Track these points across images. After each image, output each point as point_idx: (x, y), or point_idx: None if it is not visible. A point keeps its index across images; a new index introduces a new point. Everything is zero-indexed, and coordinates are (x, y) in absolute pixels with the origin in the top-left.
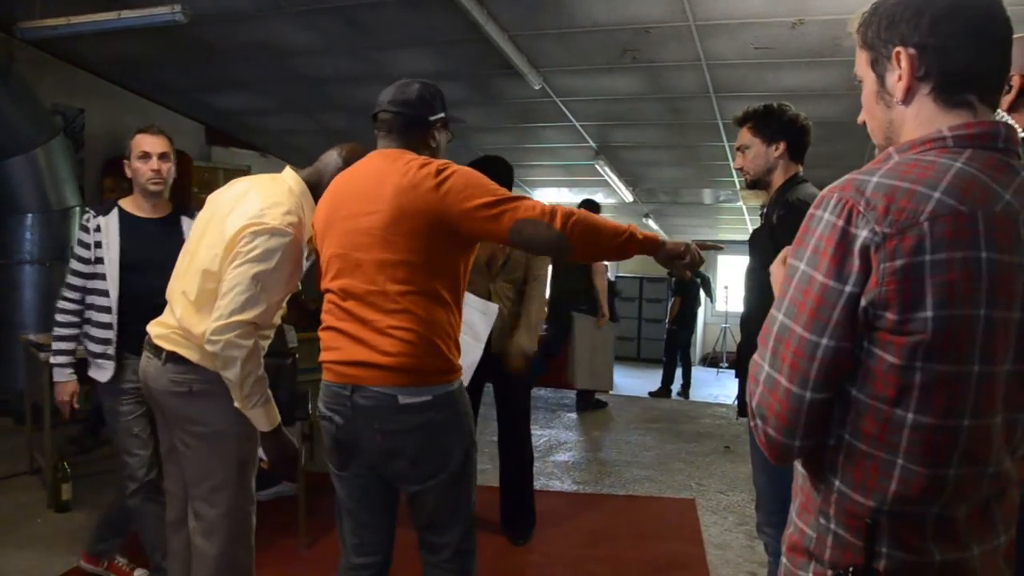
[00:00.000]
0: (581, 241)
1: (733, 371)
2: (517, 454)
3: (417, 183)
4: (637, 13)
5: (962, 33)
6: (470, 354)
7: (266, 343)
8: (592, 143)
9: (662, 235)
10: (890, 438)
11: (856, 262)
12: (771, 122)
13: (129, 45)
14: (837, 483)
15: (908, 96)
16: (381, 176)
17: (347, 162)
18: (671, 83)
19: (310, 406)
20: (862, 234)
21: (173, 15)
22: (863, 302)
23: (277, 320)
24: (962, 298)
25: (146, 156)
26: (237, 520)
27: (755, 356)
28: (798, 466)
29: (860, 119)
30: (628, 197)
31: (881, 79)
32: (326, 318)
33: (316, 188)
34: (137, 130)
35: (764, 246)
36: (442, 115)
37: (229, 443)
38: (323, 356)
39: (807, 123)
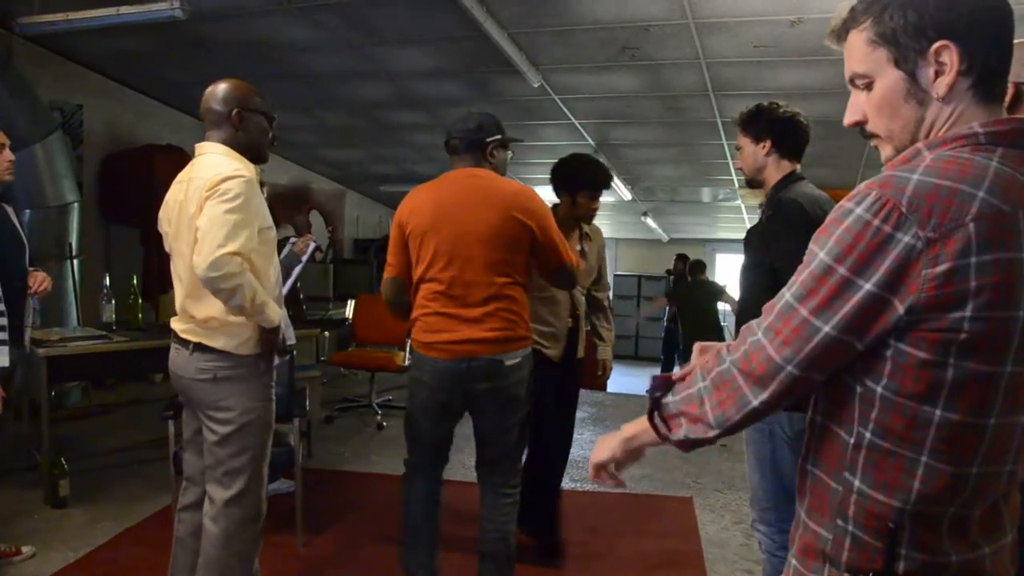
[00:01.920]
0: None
1: None
2: (560, 457)
3: (519, 207)
4: (636, 11)
5: (996, 26)
6: None
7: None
8: (591, 141)
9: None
10: (915, 435)
11: (889, 264)
12: (757, 120)
13: (128, 41)
14: (856, 483)
15: (951, 92)
16: (485, 192)
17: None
18: (670, 81)
19: (308, 403)
20: (904, 239)
21: (172, 11)
22: (899, 308)
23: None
24: (1004, 300)
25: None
26: (247, 506)
27: (751, 323)
28: (806, 465)
29: (850, 121)
30: (627, 195)
31: (911, 75)
32: (431, 304)
33: (245, 151)
34: None
35: (756, 244)
36: (498, 137)
37: (249, 429)
38: (433, 337)
39: (799, 120)
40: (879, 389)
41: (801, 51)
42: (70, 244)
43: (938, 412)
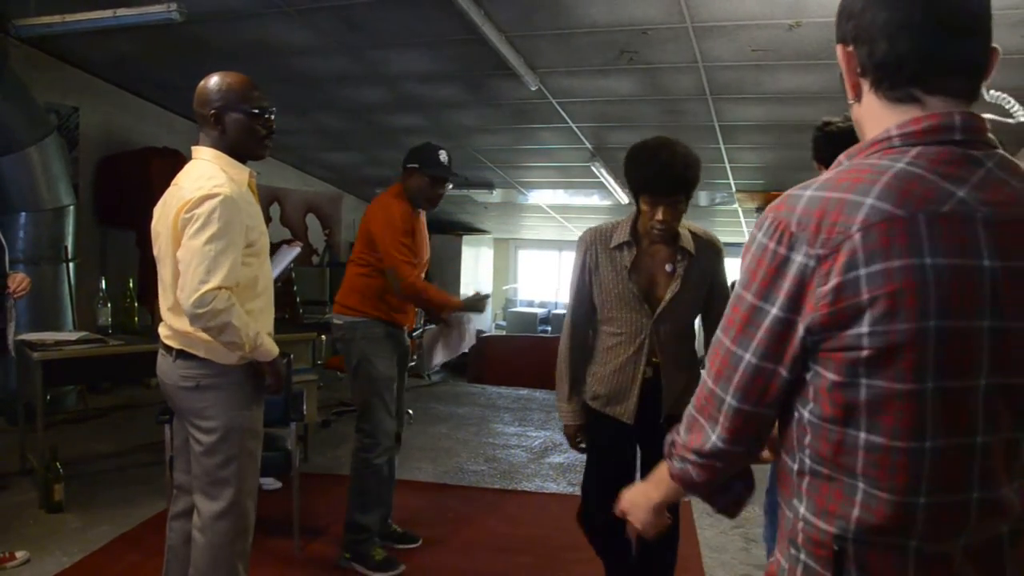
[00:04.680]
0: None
1: None
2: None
3: (367, 214)
4: (634, 14)
5: (887, 23)
6: None
7: (259, 326)
8: (588, 145)
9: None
10: (845, 460)
11: (787, 286)
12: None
13: (124, 43)
14: (802, 510)
15: (856, 94)
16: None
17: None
18: (668, 85)
19: (304, 407)
20: (797, 258)
21: (168, 13)
22: (800, 329)
23: (269, 316)
24: (904, 311)
25: None
26: (236, 516)
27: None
28: (775, 496)
29: None
30: (624, 199)
31: (840, 80)
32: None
33: (234, 152)
34: None
35: None
36: (415, 165)
37: (233, 438)
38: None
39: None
40: (806, 414)
41: (799, 55)
42: (65, 247)
43: (862, 435)
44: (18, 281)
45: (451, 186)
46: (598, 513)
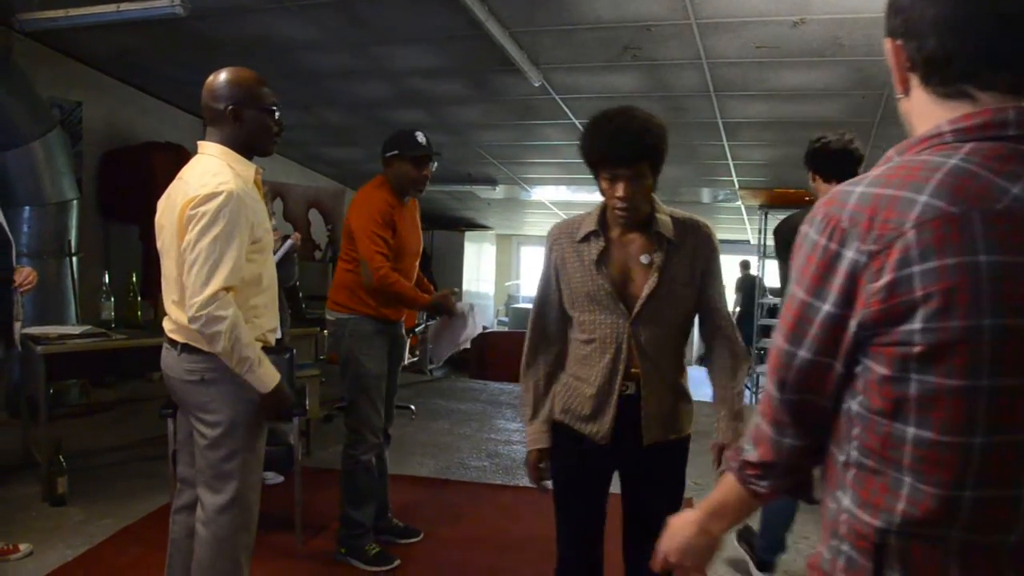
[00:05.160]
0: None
1: None
2: None
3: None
4: (638, 11)
5: (936, 19)
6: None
7: (264, 321)
8: None
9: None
10: (892, 453)
11: (839, 282)
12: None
13: (127, 38)
14: (846, 501)
15: (904, 89)
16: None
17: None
18: (671, 81)
19: (307, 401)
20: (848, 255)
21: (172, 8)
22: (852, 325)
23: (274, 313)
24: (958, 308)
25: None
26: (240, 509)
27: None
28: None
29: None
30: None
31: (892, 75)
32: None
33: (245, 148)
34: None
35: None
36: (395, 152)
37: (237, 432)
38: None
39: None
40: (855, 406)
41: (803, 52)
42: (69, 241)
43: (911, 430)
44: (24, 275)
45: (435, 165)
46: (580, 571)
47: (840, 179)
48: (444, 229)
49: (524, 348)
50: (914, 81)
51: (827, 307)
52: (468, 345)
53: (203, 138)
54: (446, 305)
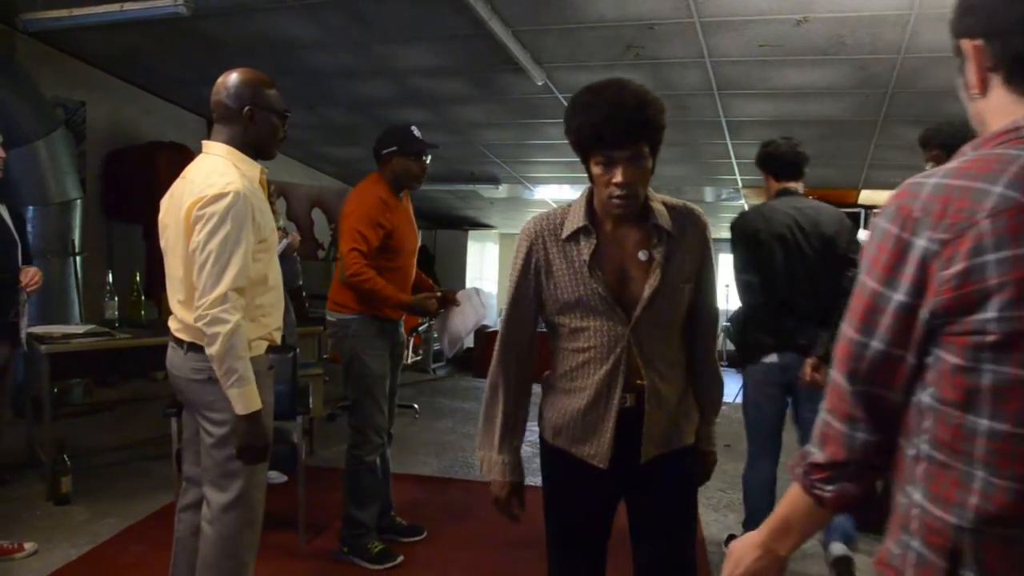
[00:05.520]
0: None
1: (733, 369)
2: None
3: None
4: (641, 9)
5: (1019, 19)
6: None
7: (270, 320)
8: None
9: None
10: (964, 446)
11: (910, 271)
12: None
13: (131, 37)
14: (917, 496)
15: (984, 88)
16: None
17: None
18: (674, 80)
19: (311, 401)
20: (919, 243)
21: (175, 7)
22: (923, 313)
23: (279, 311)
24: None
25: None
26: (245, 508)
27: None
28: (889, 483)
29: None
30: None
31: (961, 72)
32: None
33: (252, 149)
34: None
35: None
36: (393, 148)
37: None
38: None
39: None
40: (926, 398)
41: (807, 50)
42: (73, 241)
43: (984, 421)
44: (30, 275)
45: (428, 159)
46: None
47: (789, 178)
48: (447, 228)
49: (493, 361)
50: (995, 80)
51: (898, 296)
52: (484, 322)
53: (207, 137)
54: (426, 307)
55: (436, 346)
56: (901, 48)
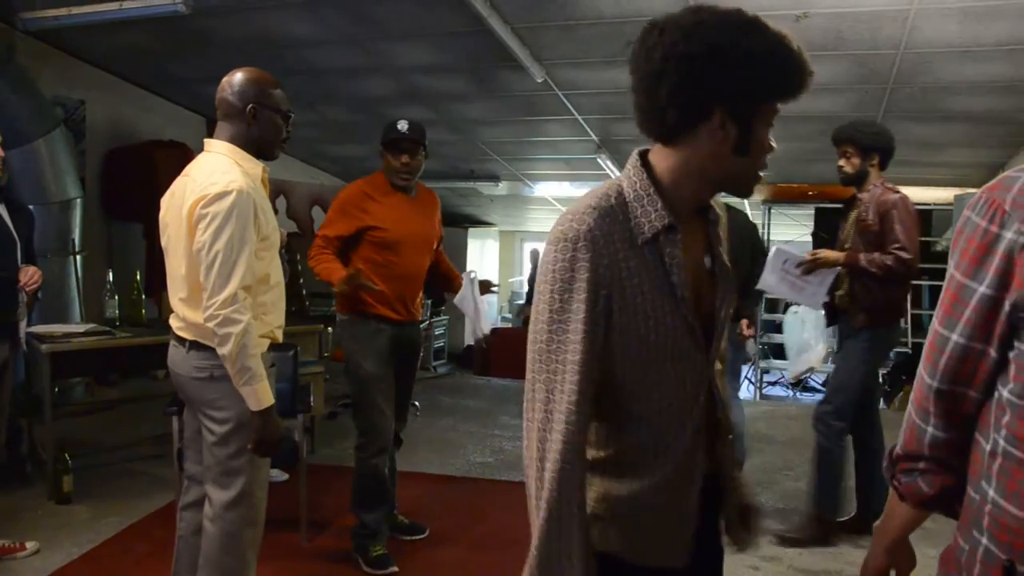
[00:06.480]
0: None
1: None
2: None
3: None
4: (641, 6)
5: None
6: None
7: (272, 318)
8: (594, 137)
9: None
10: None
11: (996, 263)
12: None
13: (130, 36)
14: (991, 492)
15: None
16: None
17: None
18: None
19: (311, 399)
20: (1007, 235)
21: (175, 6)
22: (1007, 306)
23: (281, 309)
24: None
25: None
26: (247, 505)
27: None
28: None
29: None
30: None
31: None
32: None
33: (255, 148)
34: None
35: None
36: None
37: (246, 429)
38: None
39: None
40: (1005, 393)
41: (807, 46)
42: (73, 240)
43: None
44: (30, 275)
45: (424, 153)
46: None
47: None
48: (447, 226)
49: (552, 454)
50: None
51: (983, 288)
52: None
53: (206, 136)
54: (355, 281)
55: (437, 344)
56: (901, 44)
